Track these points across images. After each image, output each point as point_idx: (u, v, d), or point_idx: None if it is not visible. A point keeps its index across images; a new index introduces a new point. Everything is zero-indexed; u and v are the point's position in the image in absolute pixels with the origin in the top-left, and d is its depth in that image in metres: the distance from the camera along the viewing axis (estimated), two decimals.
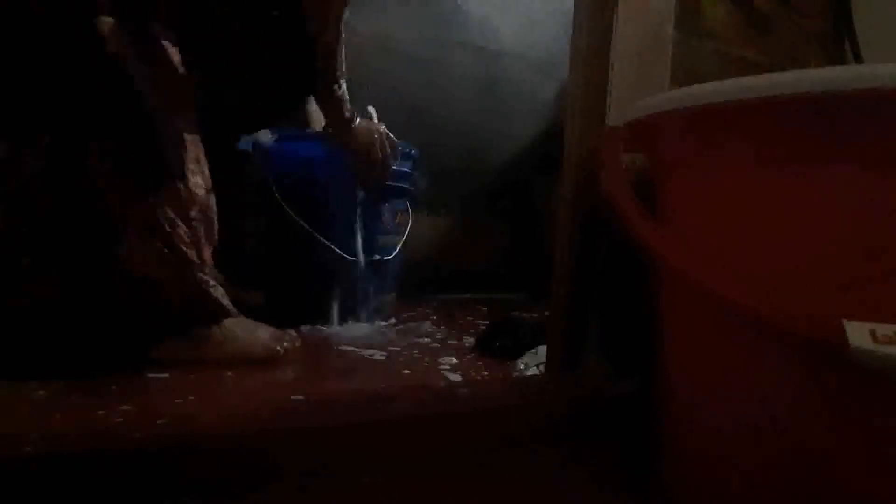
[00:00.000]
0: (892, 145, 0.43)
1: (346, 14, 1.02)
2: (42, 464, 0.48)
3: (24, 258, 0.72)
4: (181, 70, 0.82)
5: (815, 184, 0.46)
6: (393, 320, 1.25)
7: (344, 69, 1.05)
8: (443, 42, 1.65)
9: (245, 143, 1.15)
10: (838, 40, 0.93)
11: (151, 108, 0.76)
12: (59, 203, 0.72)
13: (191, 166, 0.81)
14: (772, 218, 0.48)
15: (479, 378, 0.83)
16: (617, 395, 0.71)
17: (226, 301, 0.81)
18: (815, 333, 0.42)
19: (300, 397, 0.69)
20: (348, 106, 1.08)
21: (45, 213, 0.72)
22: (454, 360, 0.92)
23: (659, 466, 0.61)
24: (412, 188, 1.29)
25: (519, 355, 0.92)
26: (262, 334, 0.83)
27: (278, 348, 0.81)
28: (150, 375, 0.75)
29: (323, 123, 1.12)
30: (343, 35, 1.03)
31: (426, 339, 1.08)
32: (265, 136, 1.13)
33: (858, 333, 0.39)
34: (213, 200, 0.86)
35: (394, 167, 1.18)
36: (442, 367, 0.88)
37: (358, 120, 1.11)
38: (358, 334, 1.10)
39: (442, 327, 1.20)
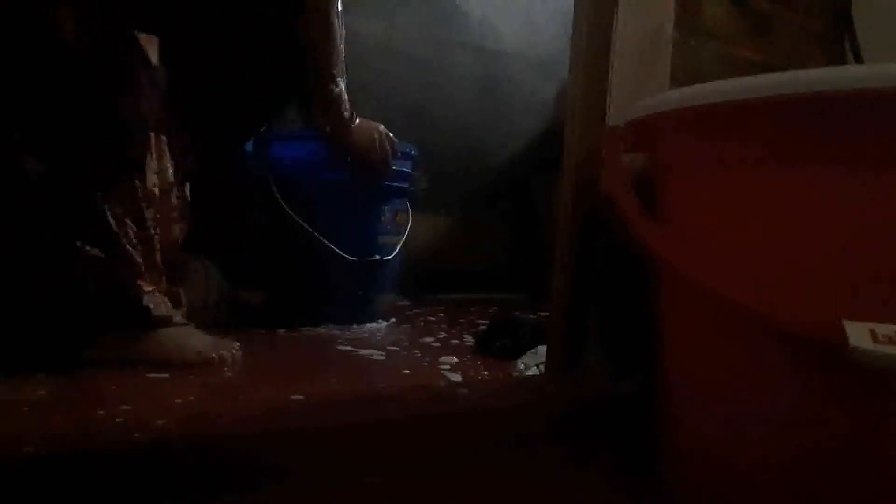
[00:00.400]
0: (892, 145, 0.43)
1: (340, 9, 1.02)
2: (42, 464, 0.48)
3: None
4: (154, 62, 0.82)
5: (815, 183, 0.46)
6: (393, 320, 1.25)
7: (343, 68, 1.05)
8: (443, 42, 1.65)
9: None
10: (838, 40, 0.93)
11: (108, 102, 0.76)
12: None
13: (151, 165, 0.81)
14: (772, 218, 0.48)
15: (479, 378, 0.83)
16: (617, 394, 0.71)
17: (160, 310, 0.80)
18: (815, 333, 0.42)
19: (300, 397, 0.69)
20: (347, 106, 1.08)
21: None
22: (454, 360, 0.92)
23: (659, 466, 0.61)
24: (413, 188, 1.29)
25: (519, 355, 0.92)
26: (196, 342, 0.83)
27: (213, 355, 0.81)
28: (150, 375, 0.75)
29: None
30: (342, 33, 1.03)
31: (426, 339, 1.08)
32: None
33: (858, 333, 0.39)
34: (175, 201, 0.86)
35: (394, 167, 1.18)
36: (442, 367, 0.88)
37: (357, 120, 1.11)
38: (358, 334, 1.10)
39: (442, 327, 1.20)
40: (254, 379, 0.80)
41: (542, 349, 0.85)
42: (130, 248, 0.78)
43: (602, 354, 0.75)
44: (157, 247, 0.82)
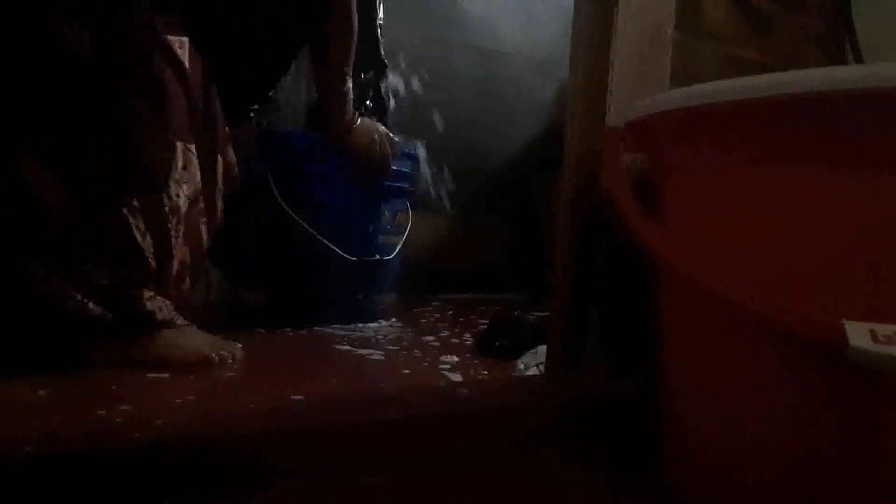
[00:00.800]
0: (892, 145, 0.43)
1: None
2: (42, 464, 0.48)
3: None
4: (186, 66, 0.82)
5: (815, 183, 0.46)
6: (393, 320, 1.25)
7: (351, 67, 1.06)
8: (443, 42, 1.65)
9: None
10: (838, 40, 0.93)
11: (127, 113, 0.76)
12: None
13: (176, 176, 0.81)
14: (772, 218, 0.48)
15: (479, 378, 0.83)
16: (617, 394, 0.71)
17: (163, 313, 0.81)
18: (815, 333, 0.42)
19: (300, 397, 0.69)
20: (350, 105, 1.08)
21: None
22: (454, 360, 0.92)
23: (659, 466, 0.61)
24: (413, 188, 1.29)
25: (519, 355, 0.92)
26: (197, 342, 0.83)
27: (213, 356, 0.81)
28: (150, 375, 0.75)
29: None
30: (356, 29, 1.03)
31: (426, 339, 1.08)
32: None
33: (858, 333, 0.39)
34: (200, 207, 0.86)
35: (394, 167, 1.18)
36: (442, 366, 0.88)
37: (359, 119, 1.11)
38: (358, 334, 1.10)
39: (442, 327, 1.20)
40: (254, 379, 0.80)
41: (542, 349, 0.85)
42: (148, 257, 0.79)
43: (602, 354, 0.75)
44: (176, 255, 0.82)
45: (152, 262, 0.79)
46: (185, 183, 0.82)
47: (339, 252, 1.12)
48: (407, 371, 0.86)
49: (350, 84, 1.07)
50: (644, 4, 0.74)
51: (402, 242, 1.25)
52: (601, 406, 0.70)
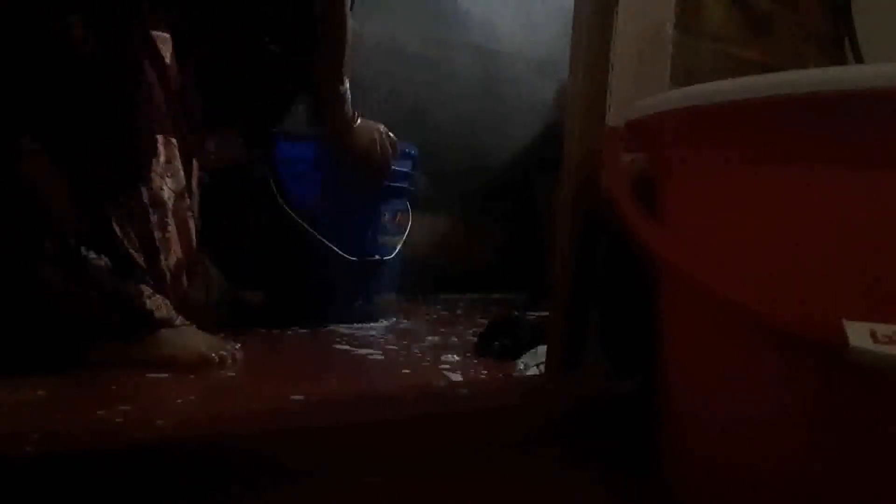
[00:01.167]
0: (892, 145, 0.43)
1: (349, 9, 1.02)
2: (42, 464, 0.48)
3: None
4: (168, 63, 0.82)
5: (814, 184, 0.46)
6: (393, 320, 1.25)
7: (348, 68, 1.06)
8: (443, 42, 1.65)
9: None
10: (838, 40, 0.93)
11: (110, 107, 0.76)
12: None
13: (158, 169, 0.80)
14: (772, 218, 0.48)
15: (479, 378, 0.83)
16: (617, 394, 0.71)
17: (161, 312, 0.81)
18: (815, 333, 0.42)
19: (300, 397, 0.69)
20: (350, 106, 1.08)
21: None
22: (454, 360, 0.92)
23: (659, 466, 0.61)
24: (413, 188, 1.29)
25: (519, 355, 0.92)
26: (197, 342, 0.83)
27: (214, 355, 0.81)
28: (150, 375, 0.75)
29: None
30: (351, 32, 1.03)
31: (426, 339, 1.08)
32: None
33: (858, 333, 0.39)
34: (187, 203, 0.86)
35: (394, 167, 1.18)
36: (442, 366, 0.88)
37: (359, 119, 1.11)
38: (358, 334, 1.10)
39: (442, 327, 1.20)
40: (254, 379, 0.80)
41: (542, 349, 0.85)
42: (133, 253, 0.78)
43: (602, 354, 0.75)
44: (167, 248, 0.82)
45: (138, 257, 0.79)
46: (169, 176, 0.82)
47: (339, 252, 1.12)
48: (407, 371, 0.86)
49: (348, 84, 1.07)
50: (644, 4, 0.74)
51: (402, 242, 1.25)
52: (601, 406, 0.70)
